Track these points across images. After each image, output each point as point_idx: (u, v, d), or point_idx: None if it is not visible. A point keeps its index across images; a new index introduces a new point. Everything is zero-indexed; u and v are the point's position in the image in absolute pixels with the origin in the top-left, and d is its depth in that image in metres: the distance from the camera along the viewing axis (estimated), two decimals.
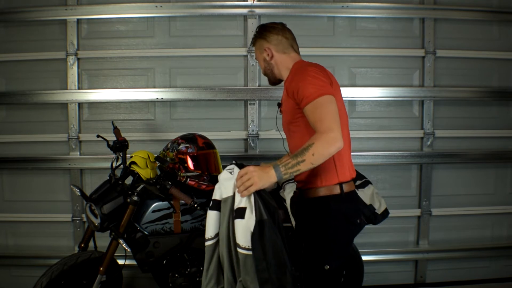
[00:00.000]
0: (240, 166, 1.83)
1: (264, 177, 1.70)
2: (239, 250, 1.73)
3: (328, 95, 1.75)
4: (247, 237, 1.70)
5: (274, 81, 2.14)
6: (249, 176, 1.71)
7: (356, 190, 2.02)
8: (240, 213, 1.73)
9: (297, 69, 1.95)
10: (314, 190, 1.92)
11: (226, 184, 1.81)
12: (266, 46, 2.05)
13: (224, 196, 1.81)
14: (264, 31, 2.08)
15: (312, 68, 1.86)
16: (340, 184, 1.90)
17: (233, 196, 1.78)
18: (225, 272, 1.84)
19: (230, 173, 1.81)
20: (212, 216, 1.85)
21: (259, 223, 1.70)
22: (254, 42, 2.12)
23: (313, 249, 1.89)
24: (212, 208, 1.85)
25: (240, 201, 1.74)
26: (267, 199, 1.78)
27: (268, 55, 2.05)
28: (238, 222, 1.72)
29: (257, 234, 1.69)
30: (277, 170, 1.69)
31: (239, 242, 1.73)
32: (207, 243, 1.86)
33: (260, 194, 1.76)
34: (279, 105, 2.10)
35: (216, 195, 1.85)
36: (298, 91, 1.80)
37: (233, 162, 1.86)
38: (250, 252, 1.70)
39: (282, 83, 2.12)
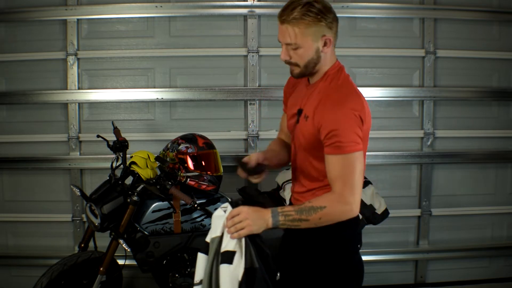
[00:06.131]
0: (235, 205, 1.57)
1: (258, 222, 1.48)
2: None
3: (360, 151, 1.52)
4: (235, 286, 1.46)
5: (307, 75, 1.66)
6: (241, 218, 1.48)
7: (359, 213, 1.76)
8: (227, 257, 1.49)
9: (333, 93, 1.58)
10: None
11: (216, 223, 1.56)
12: (328, 36, 1.56)
13: (213, 235, 1.56)
14: (328, 13, 1.54)
15: (353, 104, 1.54)
16: None
17: (221, 237, 1.54)
18: None
19: (224, 211, 1.57)
20: (200, 260, 1.59)
21: (248, 271, 1.46)
22: (308, 21, 1.52)
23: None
24: (202, 251, 1.59)
25: (229, 243, 1.50)
26: (259, 243, 1.54)
27: (326, 45, 1.58)
28: (224, 268, 1.48)
29: (245, 285, 1.45)
30: (275, 217, 1.49)
31: None
32: None
33: (252, 238, 1.52)
34: (300, 112, 1.67)
35: (208, 237, 1.60)
36: (331, 132, 1.50)
37: (229, 200, 1.62)
38: None
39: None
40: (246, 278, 1.45)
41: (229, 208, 1.57)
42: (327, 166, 1.54)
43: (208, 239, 1.58)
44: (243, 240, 1.50)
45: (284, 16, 1.54)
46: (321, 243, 1.67)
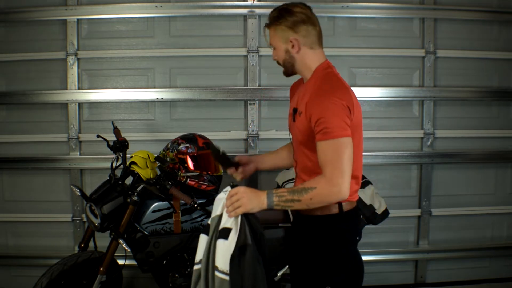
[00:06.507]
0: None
1: (254, 201, 1.63)
2: (216, 273, 1.59)
3: (348, 137, 1.60)
4: (227, 260, 1.58)
5: (292, 74, 1.84)
6: (238, 197, 1.63)
7: (357, 205, 1.86)
8: (224, 233, 1.62)
9: (321, 87, 1.68)
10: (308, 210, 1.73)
11: (217, 204, 1.71)
12: (292, 38, 1.72)
13: (213, 215, 1.70)
14: (293, 17, 1.73)
15: (340, 95, 1.63)
16: (339, 203, 1.75)
17: (220, 216, 1.68)
18: None
19: (225, 194, 1.71)
20: (202, 240, 1.71)
21: (241, 247, 1.60)
22: (274, 26, 1.76)
23: (309, 273, 1.78)
24: (203, 232, 1.72)
25: (227, 221, 1.64)
26: (255, 223, 1.68)
27: (293, 47, 1.74)
28: (220, 243, 1.61)
29: (237, 259, 1.59)
30: (269, 197, 1.63)
31: (217, 264, 1.60)
32: (195, 267, 1.72)
33: (247, 218, 1.66)
34: (295, 110, 1.79)
35: (209, 218, 1.74)
36: (320, 120, 1.60)
37: (230, 184, 1.73)
38: (227, 277, 1.58)
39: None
40: (238, 252, 1.59)
41: (229, 190, 1.71)
42: (318, 153, 1.64)
43: (209, 220, 1.71)
44: (239, 218, 1.64)
45: (267, 20, 1.81)
46: (321, 234, 1.76)
